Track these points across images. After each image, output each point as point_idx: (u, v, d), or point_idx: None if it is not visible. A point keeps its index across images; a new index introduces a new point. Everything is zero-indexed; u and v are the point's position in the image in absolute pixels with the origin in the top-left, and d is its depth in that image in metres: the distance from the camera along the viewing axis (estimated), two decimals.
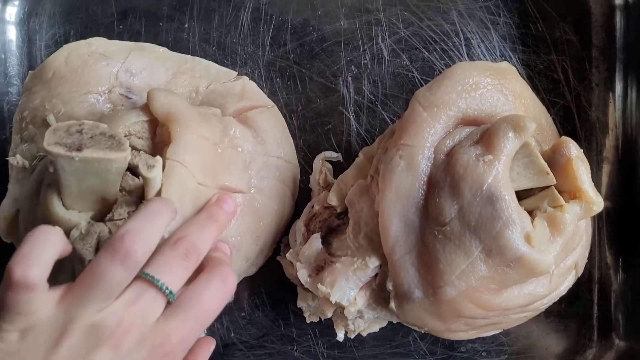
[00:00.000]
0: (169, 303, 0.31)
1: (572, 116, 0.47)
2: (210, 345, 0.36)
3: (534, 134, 0.40)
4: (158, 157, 0.34)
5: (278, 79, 0.47)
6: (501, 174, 0.34)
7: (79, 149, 0.32)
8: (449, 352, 0.47)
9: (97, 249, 0.35)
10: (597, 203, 0.36)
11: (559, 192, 0.36)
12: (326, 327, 0.46)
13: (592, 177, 0.46)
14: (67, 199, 0.35)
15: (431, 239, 0.35)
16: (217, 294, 0.32)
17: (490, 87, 0.37)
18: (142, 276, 0.31)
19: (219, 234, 0.36)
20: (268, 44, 0.47)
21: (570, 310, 0.47)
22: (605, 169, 0.46)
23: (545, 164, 0.36)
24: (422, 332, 0.38)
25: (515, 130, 0.34)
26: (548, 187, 0.36)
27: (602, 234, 0.46)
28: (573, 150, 0.36)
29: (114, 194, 0.36)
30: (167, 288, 0.31)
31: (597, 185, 0.46)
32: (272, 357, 0.47)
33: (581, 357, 0.47)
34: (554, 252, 0.35)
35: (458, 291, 0.35)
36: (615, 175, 0.46)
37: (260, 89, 0.46)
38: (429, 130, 0.36)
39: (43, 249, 0.29)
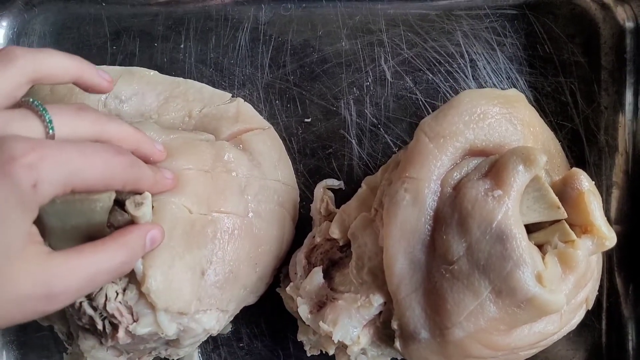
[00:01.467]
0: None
1: (580, 140, 0.45)
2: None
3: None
4: (146, 193, 0.32)
5: (277, 101, 0.45)
6: (511, 210, 0.33)
7: None
8: None
9: None
10: (610, 238, 0.34)
11: (570, 225, 0.35)
12: (327, 357, 0.45)
13: (602, 203, 0.45)
14: (53, 240, 0.33)
15: (438, 277, 0.33)
16: (103, 154, 0.28)
17: (499, 117, 0.36)
18: (29, 103, 0.28)
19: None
20: (267, 65, 0.45)
21: (578, 340, 0.45)
22: (615, 193, 0.45)
23: (556, 198, 0.34)
24: None
25: (525, 163, 0.33)
26: (559, 220, 0.35)
27: (612, 260, 0.45)
28: (585, 183, 0.35)
29: (101, 232, 0.34)
30: (50, 120, 0.28)
31: (607, 211, 0.45)
32: None
33: None
34: (565, 291, 0.34)
35: (466, 333, 0.33)
36: (625, 200, 0.45)
37: (259, 111, 0.45)
38: (436, 163, 0.35)
39: None
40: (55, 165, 0.25)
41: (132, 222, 0.34)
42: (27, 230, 0.25)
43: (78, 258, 0.27)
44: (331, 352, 0.38)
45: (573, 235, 0.34)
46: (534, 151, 0.33)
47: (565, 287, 0.34)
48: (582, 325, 0.45)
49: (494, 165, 0.34)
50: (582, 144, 0.45)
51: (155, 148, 0.34)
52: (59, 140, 0.28)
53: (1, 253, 0.24)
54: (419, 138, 0.36)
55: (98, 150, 0.28)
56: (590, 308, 0.41)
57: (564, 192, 0.35)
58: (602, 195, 0.45)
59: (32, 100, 0.28)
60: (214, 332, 0.39)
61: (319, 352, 0.42)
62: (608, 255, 0.45)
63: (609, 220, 0.45)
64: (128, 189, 0.31)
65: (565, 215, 0.35)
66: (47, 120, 0.28)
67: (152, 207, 0.34)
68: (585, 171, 0.44)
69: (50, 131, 0.28)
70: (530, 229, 0.36)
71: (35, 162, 0.25)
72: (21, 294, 0.25)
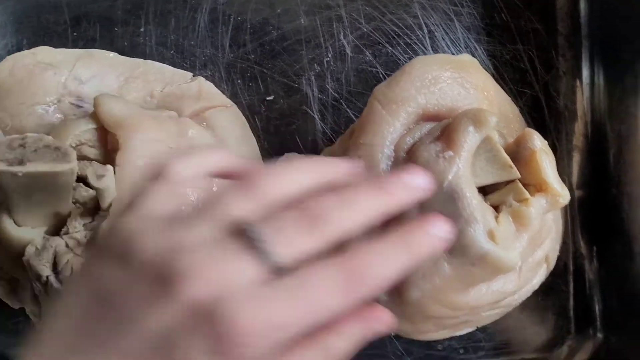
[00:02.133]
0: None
1: (540, 106, 0.46)
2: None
3: (499, 127, 0.39)
4: (108, 165, 0.33)
5: (239, 81, 0.46)
6: (462, 170, 0.34)
7: (21, 164, 0.31)
8: (425, 350, 0.46)
9: (55, 264, 0.34)
10: (563, 195, 0.35)
11: (525, 185, 0.35)
12: None
13: (563, 166, 0.46)
14: (18, 216, 0.34)
15: None
16: (336, 287, 0.20)
17: (450, 81, 0.37)
18: (245, 230, 0.21)
19: (382, 214, 0.23)
20: (227, 45, 0.46)
21: (546, 303, 0.46)
22: (576, 157, 0.46)
23: (507, 158, 0.35)
24: (393, 334, 0.37)
25: (475, 124, 0.33)
26: (513, 181, 0.36)
27: (575, 223, 0.46)
28: (537, 142, 0.35)
29: (66, 207, 0.35)
30: (270, 249, 0.20)
31: (568, 174, 0.46)
32: None
33: (559, 350, 0.46)
34: (519, 248, 0.34)
35: (423, 292, 0.34)
36: (586, 163, 0.46)
37: (222, 91, 0.45)
38: (388, 129, 0.36)
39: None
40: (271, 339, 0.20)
41: (96, 197, 0.35)
42: None
43: None
44: None
45: (526, 194, 0.35)
46: (485, 112, 0.33)
47: (519, 244, 0.35)
48: (549, 289, 0.46)
49: (446, 129, 0.35)
50: (542, 110, 0.46)
51: None
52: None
53: None
54: (371, 105, 0.36)
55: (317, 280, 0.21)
56: (551, 268, 0.41)
57: (517, 152, 0.36)
58: (563, 160, 0.46)
59: (248, 227, 0.21)
60: None
61: None
62: (572, 218, 0.46)
63: (571, 185, 0.46)
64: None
65: (518, 175, 0.35)
66: (267, 256, 0.20)
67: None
68: (546, 137, 0.45)
69: (275, 269, 0.20)
70: (487, 190, 0.36)
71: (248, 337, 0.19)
72: None
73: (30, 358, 0.21)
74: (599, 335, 0.45)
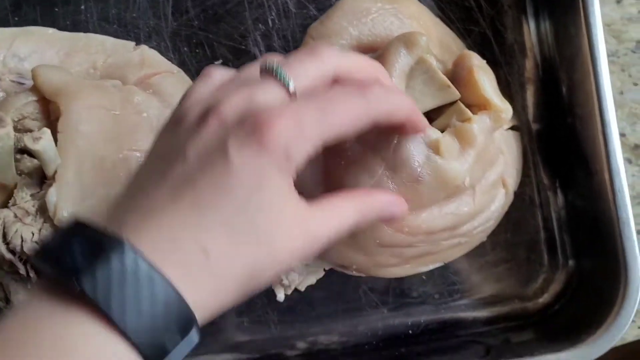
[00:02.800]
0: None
1: (489, 42, 0.46)
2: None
3: (442, 57, 0.39)
4: (44, 128, 0.33)
5: (186, 48, 0.46)
6: None
7: None
8: (400, 299, 0.46)
9: (5, 235, 0.34)
10: (505, 110, 0.35)
11: (468, 106, 0.35)
12: (273, 294, 0.45)
13: (518, 100, 0.45)
14: None
15: (335, 167, 0.33)
16: (352, 96, 0.26)
17: (382, 12, 0.37)
18: (266, 68, 0.27)
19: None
20: (170, 13, 0.46)
21: (516, 239, 0.46)
22: (530, 89, 0.46)
23: (444, 78, 0.35)
24: (354, 273, 0.37)
25: (407, 46, 0.33)
26: (455, 102, 0.35)
27: (536, 156, 0.46)
28: (474, 60, 0.35)
29: (11, 178, 0.34)
30: (286, 76, 0.26)
31: (525, 107, 0.46)
32: (223, 333, 0.46)
33: (534, 283, 0.46)
34: (465, 165, 0.34)
35: None
36: (540, 94, 0.46)
37: (169, 60, 0.45)
38: None
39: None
40: (298, 130, 0.25)
41: (41, 167, 0.35)
42: (287, 190, 0.26)
43: (331, 210, 0.28)
44: None
45: (469, 113, 0.35)
46: (415, 34, 0.33)
47: (465, 161, 0.34)
48: (518, 224, 0.46)
49: (379, 56, 0.34)
50: (491, 46, 0.46)
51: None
52: (301, 96, 0.27)
53: (275, 210, 0.25)
54: (305, 42, 0.36)
55: (338, 97, 0.26)
56: (511, 195, 0.41)
57: (456, 74, 0.36)
58: (518, 94, 0.46)
59: (267, 65, 0.27)
60: None
61: None
62: (532, 152, 0.46)
63: (528, 119, 0.46)
64: (385, 123, 0.28)
65: (458, 95, 0.35)
66: (284, 80, 0.27)
67: (57, 143, 0.34)
68: (498, 72, 0.45)
69: (291, 88, 0.27)
70: (432, 118, 0.36)
71: (279, 132, 0.25)
72: (293, 245, 0.26)
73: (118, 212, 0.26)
74: (570, 263, 0.45)
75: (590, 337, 0.39)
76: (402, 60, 0.33)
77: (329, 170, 0.34)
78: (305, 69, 0.27)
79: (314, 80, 0.27)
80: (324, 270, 0.41)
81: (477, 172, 0.35)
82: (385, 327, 0.46)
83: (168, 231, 0.24)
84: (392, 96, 0.28)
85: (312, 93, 0.27)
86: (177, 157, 0.26)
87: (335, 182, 0.34)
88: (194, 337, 0.24)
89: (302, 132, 0.25)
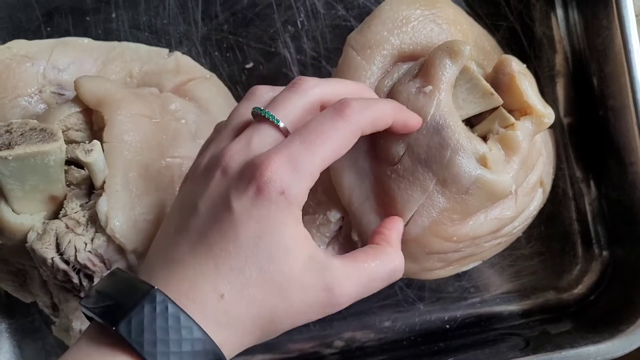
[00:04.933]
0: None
1: (518, 36, 0.46)
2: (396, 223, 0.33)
3: (477, 58, 0.39)
4: (95, 141, 0.34)
5: (217, 53, 0.46)
6: (443, 102, 0.34)
7: (9, 148, 0.31)
8: (437, 294, 0.46)
9: (58, 245, 0.35)
10: (547, 115, 0.35)
11: (509, 111, 0.35)
12: None
13: (548, 94, 0.46)
14: (15, 204, 0.35)
15: (385, 180, 0.34)
16: (328, 119, 0.28)
17: (422, 19, 0.37)
18: (255, 112, 0.29)
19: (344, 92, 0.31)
20: (200, 18, 0.46)
21: (550, 232, 0.46)
22: (560, 82, 0.46)
23: (488, 85, 0.35)
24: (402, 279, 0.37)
25: (451, 56, 0.33)
26: (497, 108, 0.36)
27: (568, 149, 0.46)
28: (514, 66, 0.35)
29: (61, 190, 0.35)
30: (273, 116, 0.29)
31: (555, 101, 0.46)
32: None
33: (569, 275, 0.46)
34: (512, 172, 0.34)
35: (421, 228, 0.34)
36: (571, 87, 0.46)
37: (201, 65, 0.45)
38: (365, 74, 0.36)
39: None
40: (290, 166, 0.27)
41: (89, 177, 0.35)
42: (296, 231, 0.27)
43: (354, 265, 0.29)
44: None
45: (512, 119, 0.35)
46: (458, 42, 0.33)
47: (511, 169, 0.35)
48: (551, 217, 0.46)
49: (423, 65, 0.35)
50: (520, 40, 0.46)
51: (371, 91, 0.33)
52: (292, 130, 0.29)
53: (282, 258, 0.27)
54: (347, 53, 0.36)
55: (318, 124, 0.28)
56: (547, 192, 0.41)
57: (497, 79, 0.36)
58: (548, 88, 0.46)
59: (256, 111, 0.29)
60: None
61: None
62: (564, 145, 0.46)
63: (559, 113, 0.46)
64: (369, 132, 0.30)
65: (501, 101, 0.35)
66: (273, 119, 0.29)
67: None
68: (528, 66, 0.45)
69: (282, 125, 0.29)
70: (473, 123, 0.36)
71: (272, 173, 0.27)
72: (310, 299, 0.27)
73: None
74: (605, 253, 0.46)
75: (629, 327, 0.40)
76: (448, 72, 0.33)
77: (379, 182, 0.34)
78: (292, 104, 0.29)
79: (303, 112, 0.29)
80: None
81: (520, 177, 0.35)
82: (422, 323, 0.46)
83: (189, 280, 0.27)
84: (370, 106, 0.30)
85: (299, 130, 0.28)
86: (190, 211, 0.28)
87: (385, 195, 0.34)
88: None
89: (295, 169, 0.27)
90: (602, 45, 0.42)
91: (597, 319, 0.44)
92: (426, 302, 0.46)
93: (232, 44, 0.46)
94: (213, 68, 0.46)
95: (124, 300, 0.26)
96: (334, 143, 0.28)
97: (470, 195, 0.34)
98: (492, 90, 0.35)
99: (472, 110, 0.36)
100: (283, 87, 0.30)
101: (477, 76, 0.35)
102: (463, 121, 0.36)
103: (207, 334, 0.26)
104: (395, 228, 0.33)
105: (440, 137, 0.33)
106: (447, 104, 0.34)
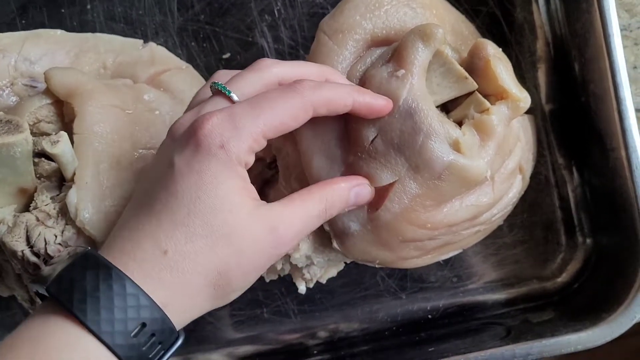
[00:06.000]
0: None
1: (498, 22, 0.45)
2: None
3: (455, 44, 0.38)
4: (62, 132, 0.33)
5: (193, 43, 0.45)
6: (416, 86, 0.33)
7: None
8: (419, 284, 0.46)
9: (28, 238, 0.34)
10: (523, 99, 0.34)
11: (485, 96, 0.35)
12: (291, 284, 0.45)
13: (530, 79, 0.45)
14: None
15: (355, 161, 0.33)
16: (279, 92, 0.29)
17: (395, 3, 0.36)
18: (212, 87, 0.30)
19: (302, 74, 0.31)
20: (176, 9, 0.45)
21: (533, 220, 0.46)
22: (542, 68, 0.45)
23: (461, 69, 0.34)
24: (377, 266, 0.37)
25: (423, 39, 0.33)
26: (472, 93, 0.35)
27: (550, 136, 0.45)
28: (489, 49, 0.35)
29: (31, 183, 0.35)
30: (226, 88, 0.29)
31: (537, 87, 0.45)
32: (243, 324, 0.47)
33: (552, 264, 0.46)
34: (487, 157, 0.34)
35: (393, 214, 0.33)
36: (552, 73, 0.45)
37: (177, 56, 0.45)
38: (337, 59, 0.35)
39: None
40: (230, 123, 0.27)
41: (60, 170, 0.35)
42: (237, 188, 0.28)
43: (292, 205, 0.30)
44: (279, 267, 0.39)
45: (487, 104, 0.34)
46: (430, 26, 0.33)
47: (486, 154, 0.34)
48: (535, 204, 0.45)
49: (396, 50, 0.34)
50: (501, 26, 0.45)
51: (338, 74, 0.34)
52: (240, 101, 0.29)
53: (226, 209, 0.27)
54: (319, 38, 0.36)
55: (268, 94, 0.29)
56: (528, 179, 0.41)
57: (472, 64, 0.35)
58: (530, 74, 0.45)
59: (213, 85, 0.30)
60: None
61: (277, 277, 0.43)
62: (546, 132, 0.45)
63: (541, 99, 0.45)
64: (324, 113, 0.30)
65: (476, 86, 0.35)
66: (227, 92, 0.29)
67: (72, 145, 0.34)
68: (509, 52, 0.44)
69: (234, 98, 0.29)
70: (449, 108, 0.36)
71: (212, 127, 0.27)
72: (258, 244, 0.28)
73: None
74: (588, 241, 0.45)
75: (611, 315, 0.39)
76: (421, 55, 0.33)
77: (349, 168, 0.34)
78: (248, 81, 0.30)
79: (259, 88, 0.30)
80: (345, 262, 0.42)
81: (497, 163, 0.35)
82: (405, 313, 0.46)
83: (131, 241, 0.27)
84: (324, 87, 0.30)
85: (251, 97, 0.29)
86: (145, 173, 0.30)
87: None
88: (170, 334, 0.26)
89: (235, 126, 0.27)
90: (582, 30, 0.41)
91: (580, 307, 0.43)
92: (408, 292, 0.46)
93: (208, 34, 0.45)
94: (190, 59, 0.45)
95: (67, 269, 0.26)
96: (280, 111, 0.28)
97: (443, 181, 0.33)
98: (467, 74, 0.35)
99: (446, 95, 0.35)
100: None
101: (450, 60, 0.34)
102: (438, 107, 0.35)
103: (144, 292, 0.25)
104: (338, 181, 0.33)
105: (413, 121, 0.33)
106: (420, 88, 0.33)
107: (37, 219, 0.34)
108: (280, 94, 0.29)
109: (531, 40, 0.45)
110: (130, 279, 0.25)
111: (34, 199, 0.35)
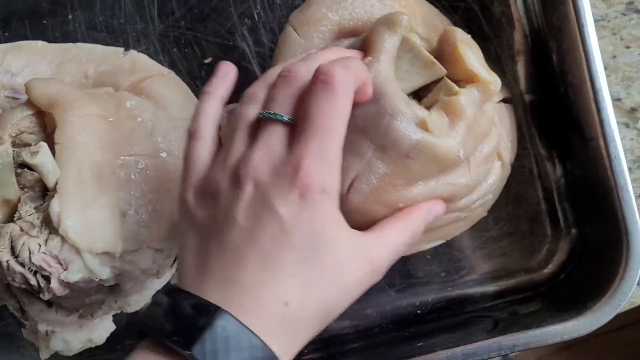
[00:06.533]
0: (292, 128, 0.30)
1: (476, 17, 0.45)
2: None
3: (427, 35, 0.39)
4: (41, 142, 0.34)
5: (175, 49, 0.46)
6: (382, 73, 0.33)
7: None
8: (407, 280, 0.46)
9: (12, 248, 0.35)
10: (493, 82, 0.35)
11: (455, 82, 0.35)
12: None
13: (509, 72, 0.45)
14: None
15: None
16: (322, 99, 0.29)
17: None
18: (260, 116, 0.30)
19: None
20: (156, 16, 0.46)
21: (518, 212, 0.46)
22: (521, 61, 0.45)
23: (429, 55, 0.35)
24: None
25: (389, 26, 0.33)
26: (442, 79, 0.35)
27: (532, 128, 0.46)
28: (457, 35, 0.35)
29: (14, 193, 0.35)
30: (274, 113, 0.30)
31: (517, 80, 0.46)
32: None
33: (538, 255, 0.46)
34: (457, 138, 0.33)
35: (363, 196, 0.33)
36: (531, 65, 0.45)
37: (160, 62, 0.45)
38: (300, 50, 0.36)
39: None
40: (319, 165, 0.28)
41: (42, 180, 0.35)
42: (339, 225, 0.29)
43: (386, 237, 0.32)
44: None
45: (455, 88, 0.34)
46: (397, 14, 0.33)
47: (456, 133, 0.34)
48: (519, 196, 0.46)
49: (364, 41, 0.34)
50: (479, 20, 0.45)
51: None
52: (301, 127, 0.29)
53: (332, 252, 0.28)
54: (286, 31, 0.37)
55: (319, 111, 0.29)
56: (508, 167, 0.41)
57: (442, 51, 0.36)
58: (509, 67, 0.46)
59: (261, 115, 0.30)
60: (160, 276, 0.40)
61: None
62: (527, 124, 0.46)
63: (521, 91, 0.45)
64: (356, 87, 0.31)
65: (444, 71, 0.35)
66: (278, 117, 0.30)
67: (55, 155, 0.35)
68: (488, 46, 0.44)
69: (287, 120, 0.30)
70: (420, 96, 0.36)
71: (308, 175, 0.28)
72: (360, 280, 0.30)
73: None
74: (573, 231, 0.45)
75: (596, 305, 0.40)
76: (388, 43, 0.33)
77: None
78: (286, 94, 0.30)
79: (299, 98, 0.30)
80: None
81: (469, 144, 0.34)
82: (394, 309, 0.46)
83: (249, 297, 0.27)
84: (349, 65, 0.30)
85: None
86: (228, 224, 0.28)
87: None
88: None
89: (324, 163, 0.28)
90: (558, 21, 0.42)
91: (566, 297, 0.43)
92: (397, 288, 0.46)
93: (190, 40, 0.46)
94: (172, 65, 0.46)
95: (193, 322, 0.26)
96: (339, 119, 0.29)
97: (411, 159, 0.33)
98: (434, 60, 0.35)
99: (416, 82, 0.35)
100: (269, 74, 0.32)
101: (417, 46, 0.35)
102: (410, 95, 0.35)
103: (268, 348, 0.26)
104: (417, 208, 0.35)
105: (379, 105, 0.32)
106: (386, 75, 0.33)
107: (21, 229, 0.35)
108: (327, 105, 0.29)
109: (509, 34, 0.45)
110: (260, 339, 0.26)
111: (18, 209, 0.35)
